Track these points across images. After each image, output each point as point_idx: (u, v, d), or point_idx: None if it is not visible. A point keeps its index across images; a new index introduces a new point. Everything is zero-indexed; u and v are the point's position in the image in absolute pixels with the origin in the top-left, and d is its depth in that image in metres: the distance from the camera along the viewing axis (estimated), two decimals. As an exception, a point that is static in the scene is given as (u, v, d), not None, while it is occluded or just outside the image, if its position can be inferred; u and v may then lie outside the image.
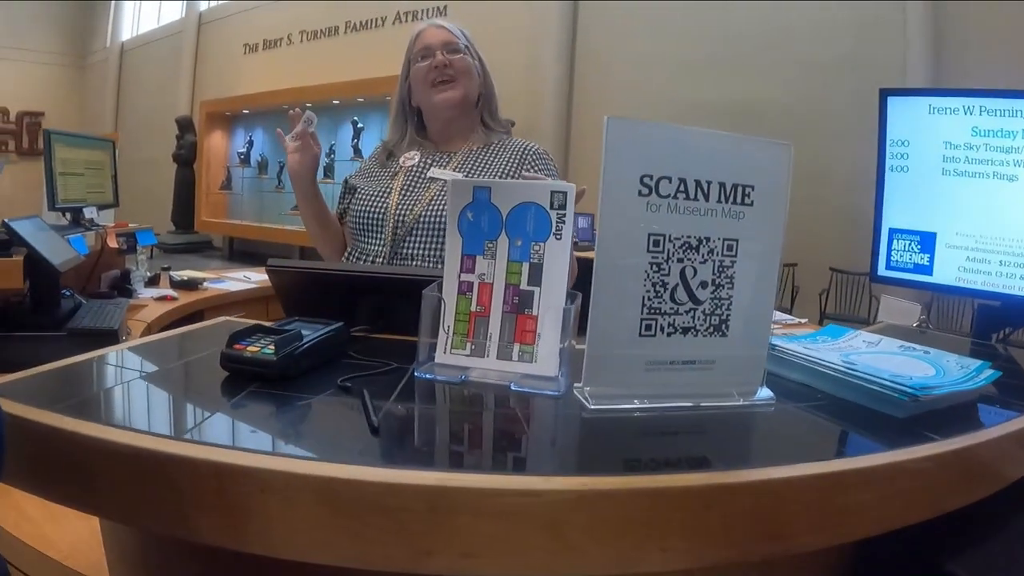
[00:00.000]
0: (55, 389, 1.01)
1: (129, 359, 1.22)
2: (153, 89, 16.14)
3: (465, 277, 1.14)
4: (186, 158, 13.98)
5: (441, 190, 1.91)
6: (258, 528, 0.70)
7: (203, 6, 15.43)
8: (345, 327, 1.21)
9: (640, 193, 0.93)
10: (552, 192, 1.10)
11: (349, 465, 0.70)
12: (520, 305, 1.11)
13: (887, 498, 0.81)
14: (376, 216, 1.95)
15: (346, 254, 2.05)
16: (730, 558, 0.74)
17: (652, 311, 0.96)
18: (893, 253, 1.89)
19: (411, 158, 2.03)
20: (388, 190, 1.97)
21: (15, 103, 17.18)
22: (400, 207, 1.92)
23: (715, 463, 0.79)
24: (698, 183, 0.95)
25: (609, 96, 8.95)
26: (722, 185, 0.96)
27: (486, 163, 2.01)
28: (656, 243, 0.95)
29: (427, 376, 1.08)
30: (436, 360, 1.12)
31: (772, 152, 1.00)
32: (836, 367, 1.08)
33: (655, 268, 0.95)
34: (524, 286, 1.11)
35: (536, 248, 1.11)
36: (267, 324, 1.17)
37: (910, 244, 1.85)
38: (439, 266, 1.70)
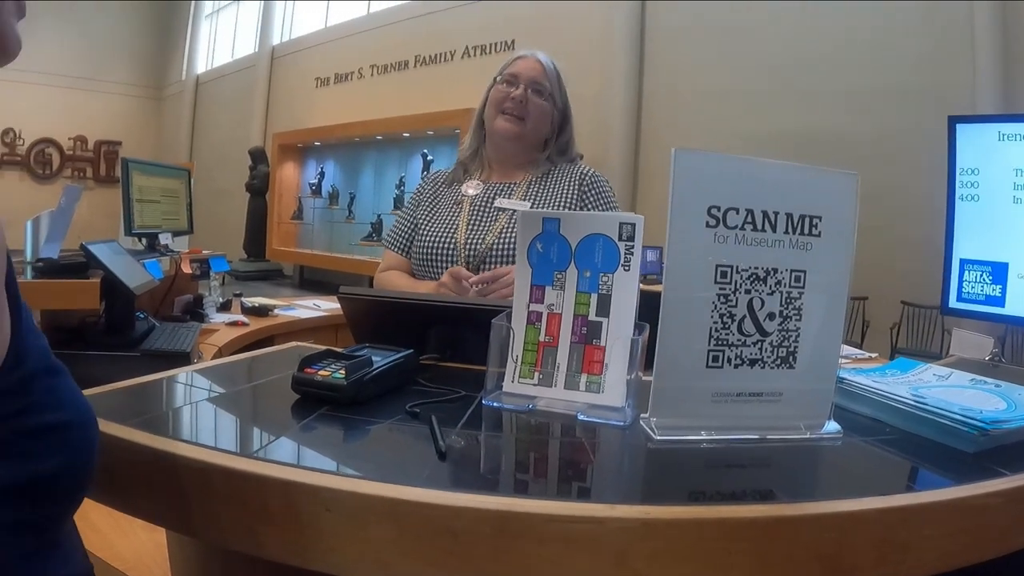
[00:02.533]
0: (128, 405, 1.05)
1: (202, 379, 1.26)
2: (227, 121, 16.57)
3: (534, 307, 1.15)
4: (259, 188, 14.30)
5: (510, 220, 1.94)
6: (324, 546, 0.72)
7: (276, 40, 15.83)
8: (415, 355, 1.23)
9: (707, 224, 0.93)
10: (620, 223, 1.11)
11: (416, 488, 0.71)
12: (588, 335, 1.11)
13: (953, 534, 0.79)
14: (445, 251, 1.97)
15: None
16: (792, 592, 0.73)
17: (719, 342, 0.96)
18: (964, 284, 1.85)
19: (474, 187, 2.06)
20: (454, 224, 2.00)
21: (94, 132, 17.83)
22: (470, 240, 1.94)
23: (779, 495, 0.78)
24: (765, 214, 0.95)
25: (676, 128, 8.92)
26: (789, 216, 0.96)
27: (549, 192, 2.03)
28: (724, 274, 0.95)
29: (495, 404, 1.09)
30: (504, 389, 1.13)
31: (839, 182, 0.99)
32: (905, 400, 1.06)
33: (722, 299, 0.95)
34: (592, 317, 1.12)
35: (604, 279, 1.11)
36: (338, 350, 1.19)
37: (981, 275, 1.81)
38: None
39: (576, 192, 2.05)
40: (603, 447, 0.97)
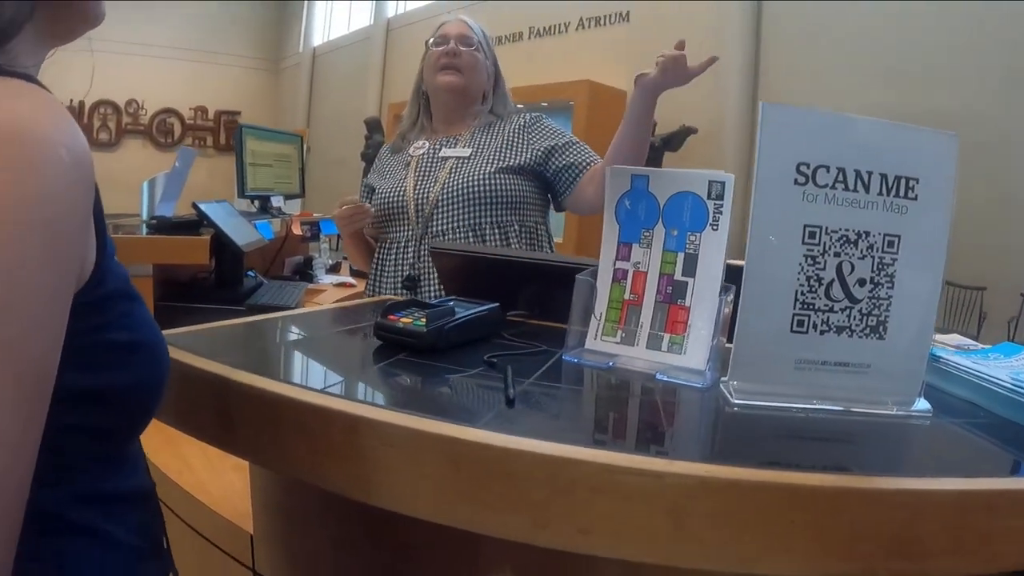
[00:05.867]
0: (219, 343, 1.10)
1: (292, 323, 1.31)
2: (343, 92, 16.87)
3: (620, 264, 1.14)
4: (373, 157, 14.50)
5: (455, 165, 2.05)
6: (384, 482, 0.73)
7: (391, 12, 16.04)
8: (499, 309, 1.24)
9: (796, 182, 0.89)
10: (710, 182, 1.08)
11: (474, 429, 0.71)
12: (673, 295, 1.09)
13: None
14: (396, 203, 2.08)
15: (377, 249, 2.18)
16: (852, 573, 0.68)
17: (805, 306, 0.92)
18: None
19: (420, 147, 2.18)
20: (403, 179, 2.12)
21: (214, 103, 18.41)
22: (418, 189, 2.05)
23: (851, 468, 0.74)
24: (858, 173, 0.90)
25: (795, 97, 8.64)
26: (884, 176, 0.91)
27: (493, 138, 2.16)
28: (812, 235, 0.90)
29: (574, 360, 1.08)
30: (586, 346, 1.12)
31: (938, 142, 0.93)
32: (1002, 383, 0.99)
33: (810, 261, 0.91)
34: (678, 276, 1.09)
35: (692, 238, 1.09)
36: (423, 300, 1.21)
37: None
38: (469, 236, 1.87)
39: (521, 133, 2.15)
40: (677, 407, 0.95)
